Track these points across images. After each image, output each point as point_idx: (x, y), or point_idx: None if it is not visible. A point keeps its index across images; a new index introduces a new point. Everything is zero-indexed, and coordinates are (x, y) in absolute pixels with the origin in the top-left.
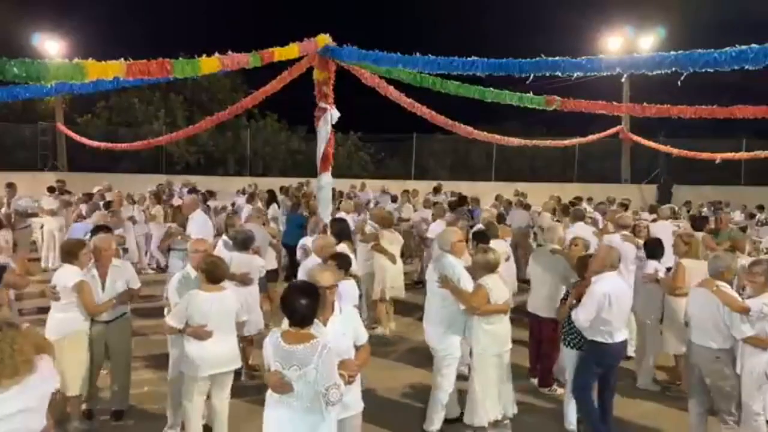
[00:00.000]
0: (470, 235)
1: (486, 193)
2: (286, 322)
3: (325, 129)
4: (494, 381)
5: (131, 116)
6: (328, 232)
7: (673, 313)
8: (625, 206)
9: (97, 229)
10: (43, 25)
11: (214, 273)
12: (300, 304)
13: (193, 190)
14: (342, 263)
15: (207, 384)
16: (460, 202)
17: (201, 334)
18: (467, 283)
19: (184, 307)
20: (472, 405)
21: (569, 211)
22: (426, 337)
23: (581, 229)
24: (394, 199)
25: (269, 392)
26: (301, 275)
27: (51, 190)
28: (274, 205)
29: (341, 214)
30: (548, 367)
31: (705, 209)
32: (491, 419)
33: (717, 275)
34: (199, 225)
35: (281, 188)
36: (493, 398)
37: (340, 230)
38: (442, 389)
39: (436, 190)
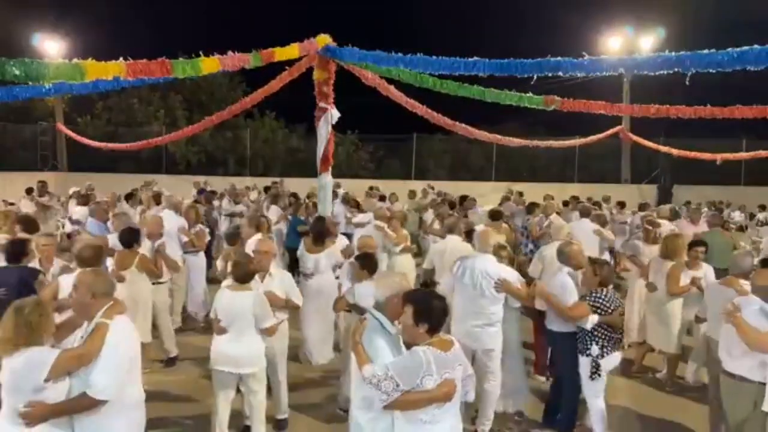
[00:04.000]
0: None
1: (486, 193)
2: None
3: (325, 129)
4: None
5: (131, 116)
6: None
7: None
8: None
9: (126, 232)
10: (43, 25)
11: (236, 272)
12: (444, 311)
13: (202, 191)
14: (365, 263)
15: (226, 380)
16: (461, 201)
17: (215, 328)
18: (516, 281)
19: (213, 301)
20: (505, 392)
21: (534, 208)
22: (478, 338)
23: (584, 226)
24: (382, 198)
25: (434, 408)
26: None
27: (29, 191)
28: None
29: (366, 216)
30: None
31: (705, 209)
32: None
33: (743, 274)
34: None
35: (266, 188)
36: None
37: (320, 230)
38: (497, 387)
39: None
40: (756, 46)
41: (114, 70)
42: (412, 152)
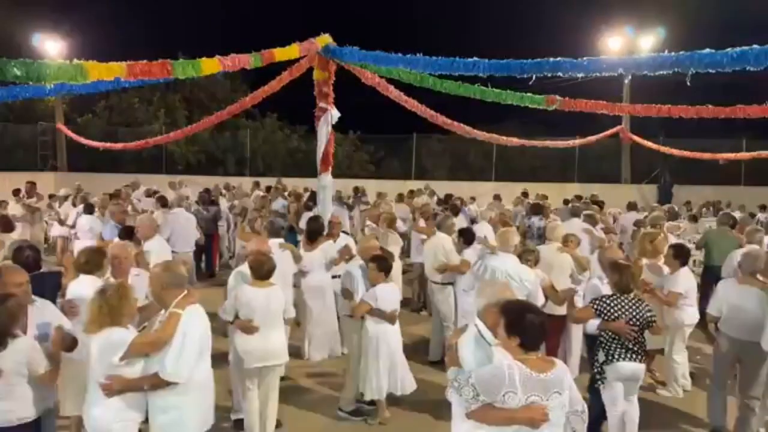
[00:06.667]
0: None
1: (486, 193)
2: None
3: (325, 129)
4: None
5: (131, 116)
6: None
7: None
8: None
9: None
10: (43, 25)
11: (260, 269)
12: (541, 327)
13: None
14: (382, 265)
15: (257, 376)
16: (446, 200)
17: (247, 328)
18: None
19: (233, 301)
20: None
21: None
22: None
23: (574, 226)
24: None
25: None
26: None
27: (16, 192)
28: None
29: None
30: None
31: (705, 209)
32: None
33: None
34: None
35: (267, 188)
36: None
37: (314, 229)
38: None
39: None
40: (756, 46)
41: (115, 71)
42: (411, 152)
